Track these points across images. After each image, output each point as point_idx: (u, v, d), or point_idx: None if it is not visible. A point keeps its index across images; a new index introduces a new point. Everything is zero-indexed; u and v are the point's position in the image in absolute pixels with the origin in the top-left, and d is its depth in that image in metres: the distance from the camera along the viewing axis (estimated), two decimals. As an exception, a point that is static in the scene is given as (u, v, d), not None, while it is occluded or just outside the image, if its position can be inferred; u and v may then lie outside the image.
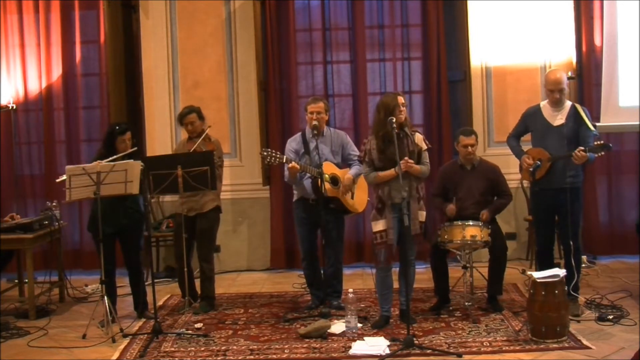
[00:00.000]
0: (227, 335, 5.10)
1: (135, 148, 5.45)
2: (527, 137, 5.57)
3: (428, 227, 5.13)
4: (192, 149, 5.59)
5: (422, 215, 5.03)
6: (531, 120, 5.43)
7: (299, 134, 5.67)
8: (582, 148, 5.01)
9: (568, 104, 5.32)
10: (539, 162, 5.28)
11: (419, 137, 5.05)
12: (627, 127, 6.64)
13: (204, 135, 5.68)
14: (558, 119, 5.26)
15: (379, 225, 4.97)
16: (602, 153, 5.09)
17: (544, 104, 5.40)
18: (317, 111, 5.53)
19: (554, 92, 5.24)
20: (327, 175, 5.42)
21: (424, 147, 5.06)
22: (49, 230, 5.94)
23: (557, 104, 5.28)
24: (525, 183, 6.77)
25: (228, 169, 6.90)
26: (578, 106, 5.29)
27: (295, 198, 5.68)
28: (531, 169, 5.30)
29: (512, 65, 7.17)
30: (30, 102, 7.41)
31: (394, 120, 4.84)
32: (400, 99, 4.96)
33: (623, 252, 7.10)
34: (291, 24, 7.16)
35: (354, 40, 7.21)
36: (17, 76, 7.37)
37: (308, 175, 5.43)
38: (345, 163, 5.63)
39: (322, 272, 5.60)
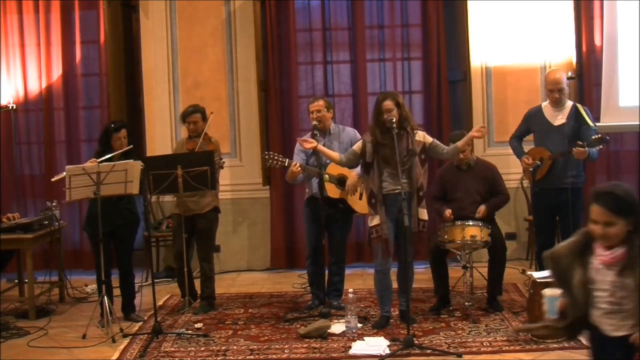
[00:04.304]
0: (227, 335, 5.10)
1: (131, 146, 5.44)
2: (530, 137, 5.57)
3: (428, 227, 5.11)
4: (196, 148, 5.59)
5: (423, 213, 5.02)
6: (533, 121, 5.44)
7: (309, 133, 5.65)
8: (581, 143, 5.03)
9: (569, 103, 5.32)
10: (539, 162, 5.29)
11: (420, 134, 5.02)
12: (627, 127, 6.65)
13: (203, 135, 5.67)
14: (559, 119, 5.28)
15: (373, 220, 4.97)
16: (601, 147, 5.11)
17: (545, 105, 5.41)
18: (316, 109, 5.53)
19: (553, 91, 5.25)
20: (327, 176, 5.42)
21: (430, 139, 5.03)
22: (49, 230, 5.94)
23: (557, 104, 5.28)
24: (526, 183, 6.78)
25: (228, 169, 6.88)
26: (579, 106, 5.30)
27: (306, 196, 5.70)
28: (531, 169, 5.31)
29: (512, 65, 7.17)
30: (30, 102, 7.40)
31: (394, 120, 4.85)
32: (386, 105, 4.90)
33: (623, 252, 7.09)
34: (291, 24, 7.15)
35: (354, 40, 7.21)
36: (17, 76, 7.36)
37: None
38: None
39: (326, 271, 5.61)
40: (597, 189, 2.76)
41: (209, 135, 5.76)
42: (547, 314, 2.75)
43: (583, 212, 5.50)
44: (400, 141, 4.88)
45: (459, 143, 5.06)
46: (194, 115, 5.69)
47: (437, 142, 5.10)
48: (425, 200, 5.06)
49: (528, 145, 5.59)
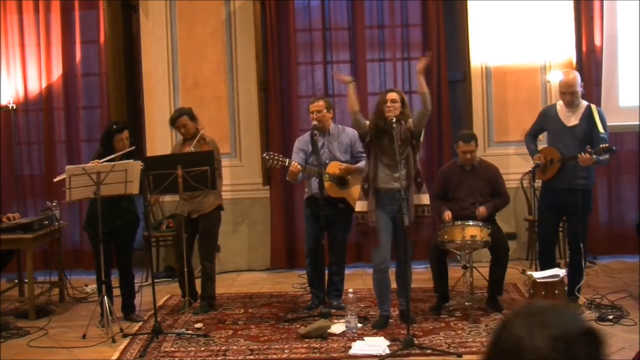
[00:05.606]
0: (227, 335, 5.10)
1: (133, 147, 5.44)
2: (542, 135, 5.59)
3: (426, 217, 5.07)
4: (188, 151, 5.58)
5: (424, 198, 4.99)
6: (546, 120, 5.43)
7: (308, 133, 5.64)
8: (589, 150, 5.01)
9: (584, 104, 5.29)
10: (538, 163, 5.28)
11: (409, 122, 5.00)
12: (627, 127, 6.65)
13: (198, 137, 5.65)
14: (572, 120, 5.25)
15: (361, 206, 4.96)
16: (607, 156, 5.08)
17: (560, 104, 5.38)
18: (316, 110, 5.53)
19: (565, 94, 5.23)
20: (327, 175, 5.42)
21: (410, 120, 4.97)
22: (49, 230, 5.94)
23: (570, 106, 5.26)
24: (526, 183, 6.78)
25: (228, 169, 6.90)
26: (593, 107, 5.26)
27: (305, 196, 5.70)
28: (531, 169, 5.31)
29: (512, 65, 7.16)
30: (30, 102, 7.40)
31: (394, 120, 4.85)
32: (391, 95, 4.94)
33: (623, 252, 7.10)
34: (291, 24, 7.15)
35: (354, 40, 7.21)
36: (17, 76, 7.36)
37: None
38: (353, 159, 5.62)
39: (325, 271, 5.60)
40: None
41: (203, 136, 5.74)
42: None
43: (590, 213, 5.50)
44: (394, 135, 4.87)
45: (420, 89, 4.96)
46: (180, 120, 5.67)
47: (413, 114, 5.05)
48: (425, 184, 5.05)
49: (541, 144, 5.59)
